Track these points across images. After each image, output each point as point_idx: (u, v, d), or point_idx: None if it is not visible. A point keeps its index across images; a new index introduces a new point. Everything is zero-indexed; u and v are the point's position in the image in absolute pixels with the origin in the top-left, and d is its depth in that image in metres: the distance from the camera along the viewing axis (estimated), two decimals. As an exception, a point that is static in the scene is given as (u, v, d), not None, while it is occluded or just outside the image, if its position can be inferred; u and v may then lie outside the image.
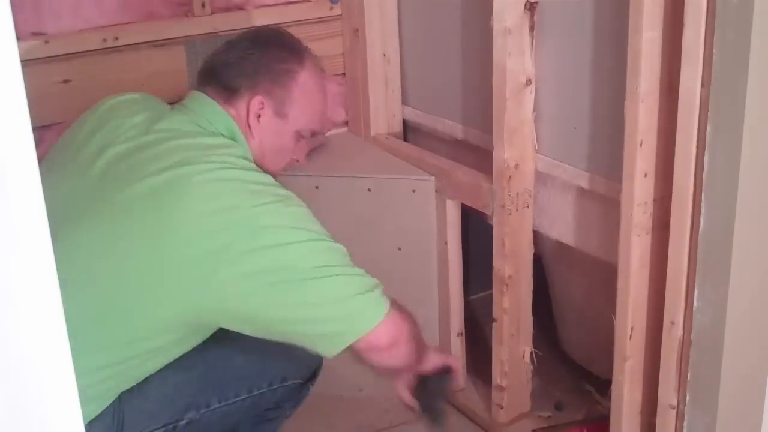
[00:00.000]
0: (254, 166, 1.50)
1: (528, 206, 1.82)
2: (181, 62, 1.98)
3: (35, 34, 1.83)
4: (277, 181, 1.49)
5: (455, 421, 2.05)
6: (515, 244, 1.83)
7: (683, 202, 1.40)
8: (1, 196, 0.62)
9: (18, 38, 0.60)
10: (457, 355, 2.07)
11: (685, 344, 1.47)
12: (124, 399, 1.45)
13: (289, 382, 1.67)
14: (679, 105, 1.37)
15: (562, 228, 1.82)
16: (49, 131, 1.83)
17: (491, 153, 1.79)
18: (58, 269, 0.64)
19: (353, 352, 1.42)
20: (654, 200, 1.52)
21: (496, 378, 1.94)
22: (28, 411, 0.67)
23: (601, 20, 1.60)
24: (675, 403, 1.52)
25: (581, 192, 1.75)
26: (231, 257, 1.33)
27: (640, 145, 1.47)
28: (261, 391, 1.62)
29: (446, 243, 1.98)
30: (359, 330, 1.39)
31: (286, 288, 1.35)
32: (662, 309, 1.51)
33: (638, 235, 1.53)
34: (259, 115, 1.56)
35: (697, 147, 1.36)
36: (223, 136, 1.52)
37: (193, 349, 1.48)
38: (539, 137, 1.78)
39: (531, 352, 1.94)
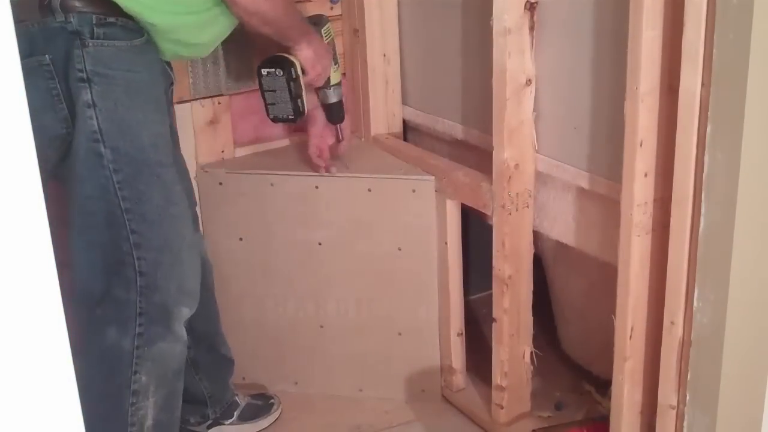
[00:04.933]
0: None
1: (528, 206, 1.82)
2: (182, 62, 1.97)
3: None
4: None
5: (455, 421, 2.06)
6: (515, 244, 1.83)
7: (683, 202, 1.40)
8: (1, 196, 0.62)
9: None
10: (457, 355, 2.07)
11: (685, 344, 1.47)
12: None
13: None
14: (679, 105, 1.37)
15: (562, 228, 1.82)
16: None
17: (491, 153, 1.79)
18: None
19: None
20: (654, 200, 1.52)
21: (496, 378, 1.94)
22: (28, 411, 0.67)
23: (601, 20, 1.60)
24: (675, 403, 1.52)
25: (581, 192, 1.75)
26: None
27: (640, 145, 1.47)
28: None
29: (446, 243, 1.98)
30: None
31: None
32: (662, 309, 1.51)
33: (638, 235, 1.53)
34: None
35: (697, 147, 1.36)
36: None
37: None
38: (539, 137, 1.78)
39: (531, 352, 1.94)
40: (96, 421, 1.67)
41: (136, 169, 1.56)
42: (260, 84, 1.83)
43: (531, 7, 1.68)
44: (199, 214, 2.08)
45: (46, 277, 0.65)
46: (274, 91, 1.82)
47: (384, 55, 2.15)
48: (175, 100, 1.99)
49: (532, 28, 1.70)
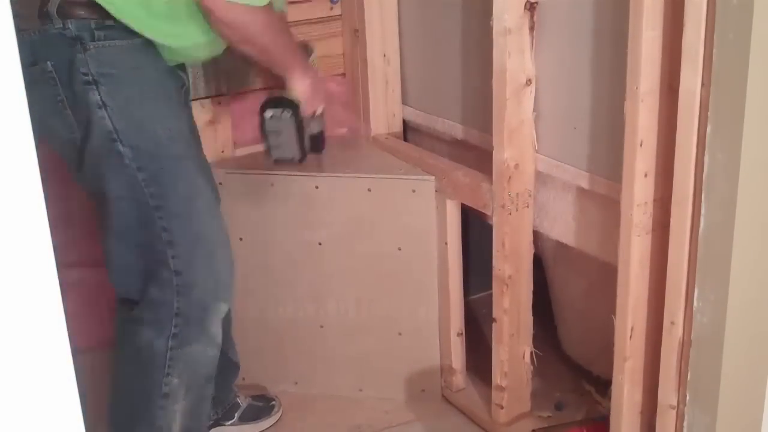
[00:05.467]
0: None
1: (528, 206, 1.82)
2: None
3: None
4: None
5: (455, 421, 2.06)
6: (515, 244, 1.83)
7: (683, 202, 1.40)
8: (1, 196, 0.62)
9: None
10: (457, 355, 2.07)
11: (685, 344, 1.47)
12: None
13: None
14: (679, 105, 1.37)
15: (562, 228, 1.82)
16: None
17: (491, 153, 1.79)
18: None
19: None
20: (654, 200, 1.52)
21: (496, 378, 1.94)
22: (28, 410, 0.67)
23: (601, 20, 1.60)
24: (675, 403, 1.52)
25: (581, 192, 1.75)
26: None
27: (640, 145, 1.47)
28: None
29: (446, 243, 1.98)
30: None
31: None
32: (662, 309, 1.51)
33: (638, 235, 1.53)
34: None
35: (697, 147, 1.36)
36: None
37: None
38: (539, 137, 1.78)
39: (531, 352, 1.94)
40: (123, 420, 1.68)
41: (157, 165, 1.56)
42: (263, 126, 1.74)
43: (531, 7, 1.68)
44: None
45: (46, 277, 0.65)
46: (278, 132, 1.75)
47: (384, 55, 2.15)
48: (175, 100, 2.00)
49: (532, 28, 1.70)
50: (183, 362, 1.63)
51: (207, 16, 1.55)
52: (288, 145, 1.76)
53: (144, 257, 1.59)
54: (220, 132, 2.08)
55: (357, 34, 2.15)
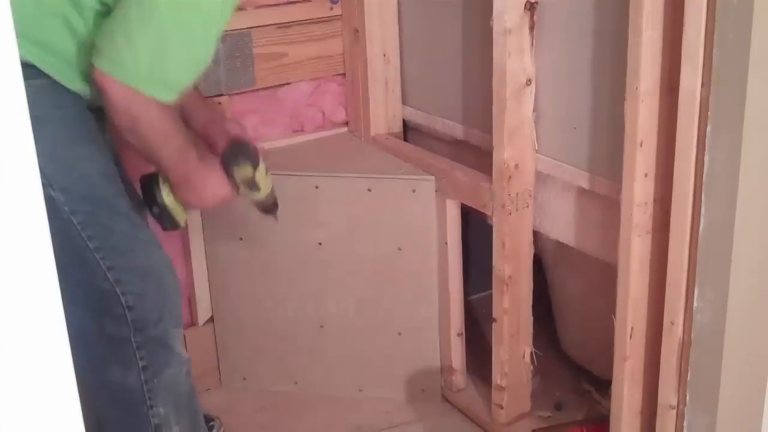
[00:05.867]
0: None
1: (528, 206, 1.82)
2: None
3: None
4: None
5: (455, 421, 2.06)
6: (515, 244, 1.83)
7: (683, 202, 1.40)
8: (1, 196, 0.62)
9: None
10: (457, 355, 2.07)
11: (685, 344, 1.47)
12: None
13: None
14: (679, 105, 1.37)
15: (562, 228, 1.82)
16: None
17: (491, 153, 1.79)
18: None
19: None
20: (654, 200, 1.52)
21: (496, 378, 1.94)
22: (28, 410, 0.67)
23: (601, 20, 1.60)
24: (675, 403, 1.52)
25: (581, 192, 1.75)
26: None
27: (640, 145, 1.47)
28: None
29: (446, 243, 1.98)
30: (97, 56, 1.40)
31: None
32: (662, 309, 1.51)
33: (638, 235, 1.53)
34: None
35: (697, 147, 1.36)
36: None
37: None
38: (539, 137, 1.78)
39: (531, 352, 1.94)
40: None
41: (92, 205, 1.49)
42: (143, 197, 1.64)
43: (531, 7, 1.68)
44: (200, 215, 2.08)
45: (46, 278, 0.65)
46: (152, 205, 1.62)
47: (384, 55, 2.15)
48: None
49: (532, 28, 1.70)
50: (163, 390, 1.59)
51: (101, 93, 1.43)
52: (159, 216, 1.63)
53: (91, 295, 1.53)
54: (220, 132, 2.08)
55: (357, 34, 2.15)
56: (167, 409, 1.60)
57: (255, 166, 1.62)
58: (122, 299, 1.52)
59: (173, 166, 1.54)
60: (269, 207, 1.74)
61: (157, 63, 1.41)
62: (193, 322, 2.15)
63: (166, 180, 1.58)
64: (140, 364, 1.56)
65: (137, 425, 1.60)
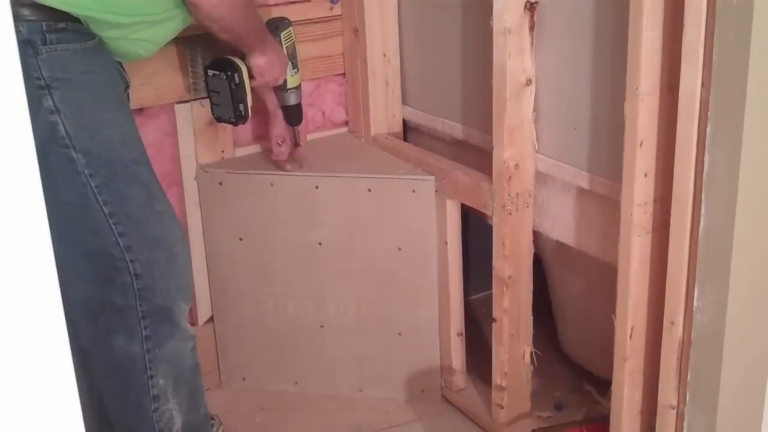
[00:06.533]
0: None
1: (528, 206, 1.82)
2: (182, 62, 1.97)
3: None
4: None
5: (455, 421, 2.06)
6: (515, 244, 1.83)
7: (683, 202, 1.40)
8: (1, 196, 0.62)
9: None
10: (457, 355, 2.07)
11: (685, 344, 1.47)
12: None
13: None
14: (679, 105, 1.37)
15: (562, 228, 1.82)
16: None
17: (491, 153, 1.79)
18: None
19: None
20: (654, 200, 1.52)
21: (496, 378, 1.94)
22: (28, 410, 0.67)
23: (601, 20, 1.60)
24: (675, 403, 1.52)
25: (581, 192, 1.75)
26: None
27: (640, 145, 1.47)
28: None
29: (446, 243, 1.98)
30: None
31: None
32: (662, 309, 1.51)
33: (638, 235, 1.53)
34: None
35: (697, 147, 1.36)
36: None
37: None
38: (539, 137, 1.78)
39: (531, 352, 1.94)
40: None
41: (111, 171, 1.52)
42: (206, 84, 1.86)
43: (531, 7, 1.68)
44: (199, 214, 2.08)
45: (46, 278, 0.66)
46: (218, 92, 1.86)
47: (384, 55, 2.15)
48: (174, 101, 2.00)
49: (532, 28, 1.70)
50: (165, 362, 1.61)
51: (191, 9, 1.59)
52: (225, 106, 1.86)
53: (99, 265, 1.55)
54: (220, 132, 2.08)
55: (357, 34, 2.15)
56: (167, 381, 1.62)
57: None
58: (130, 266, 1.54)
59: (258, 41, 1.79)
60: (296, 110, 2.01)
61: None
62: (193, 322, 2.15)
63: (243, 66, 1.82)
64: (144, 333, 1.58)
65: (136, 394, 1.61)
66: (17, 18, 1.45)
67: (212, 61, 1.86)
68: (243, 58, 1.83)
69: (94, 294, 1.56)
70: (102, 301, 1.57)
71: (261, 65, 1.83)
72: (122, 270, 1.55)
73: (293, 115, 2.01)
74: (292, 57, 1.96)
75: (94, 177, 1.50)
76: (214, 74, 1.84)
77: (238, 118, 1.87)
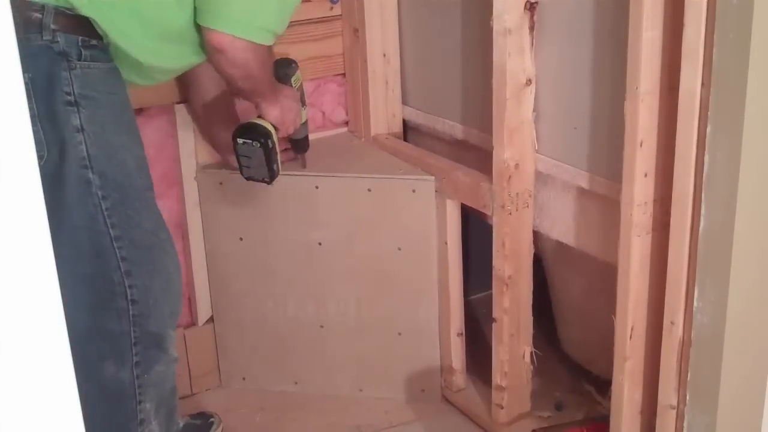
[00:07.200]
0: None
1: (528, 206, 1.82)
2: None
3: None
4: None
5: (455, 421, 2.06)
6: (515, 244, 1.83)
7: (683, 202, 1.40)
8: (1, 196, 0.62)
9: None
10: (457, 355, 2.07)
11: (685, 344, 1.47)
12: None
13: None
14: (679, 105, 1.37)
15: (562, 228, 1.82)
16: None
17: (491, 153, 1.79)
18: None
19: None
20: (654, 200, 1.52)
21: (496, 378, 1.94)
22: (28, 410, 0.67)
23: (601, 20, 1.60)
24: (675, 403, 1.52)
25: (581, 192, 1.75)
26: None
27: (640, 145, 1.47)
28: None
29: (446, 243, 1.98)
30: (215, 20, 1.53)
31: None
32: (662, 309, 1.51)
33: (638, 235, 1.53)
34: None
35: (697, 147, 1.36)
36: None
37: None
38: (539, 137, 1.78)
39: (531, 352, 1.94)
40: None
41: (124, 195, 1.51)
42: (235, 150, 1.82)
43: (531, 7, 1.68)
44: (199, 214, 2.08)
45: (46, 278, 0.65)
46: (250, 157, 1.82)
47: (384, 55, 2.15)
48: (175, 101, 2.00)
49: (532, 28, 1.70)
50: (152, 387, 1.59)
51: (215, 55, 1.57)
52: (258, 168, 1.84)
53: (95, 288, 1.53)
54: (220, 132, 2.08)
55: (357, 34, 2.15)
56: (152, 405, 1.61)
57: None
58: (128, 292, 1.53)
59: (271, 87, 1.78)
60: (303, 141, 2.01)
61: (259, 14, 1.57)
62: (193, 322, 2.16)
63: (271, 127, 1.81)
64: (134, 359, 1.57)
65: (123, 420, 1.60)
66: (57, 29, 1.44)
67: (239, 128, 1.82)
68: (256, 106, 1.82)
69: (84, 320, 1.53)
70: (94, 326, 1.54)
71: (278, 117, 1.82)
72: (119, 295, 1.52)
73: (301, 145, 2.02)
74: (302, 97, 1.95)
75: (106, 199, 1.49)
76: (245, 142, 1.80)
77: (273, 178, 1.85)
